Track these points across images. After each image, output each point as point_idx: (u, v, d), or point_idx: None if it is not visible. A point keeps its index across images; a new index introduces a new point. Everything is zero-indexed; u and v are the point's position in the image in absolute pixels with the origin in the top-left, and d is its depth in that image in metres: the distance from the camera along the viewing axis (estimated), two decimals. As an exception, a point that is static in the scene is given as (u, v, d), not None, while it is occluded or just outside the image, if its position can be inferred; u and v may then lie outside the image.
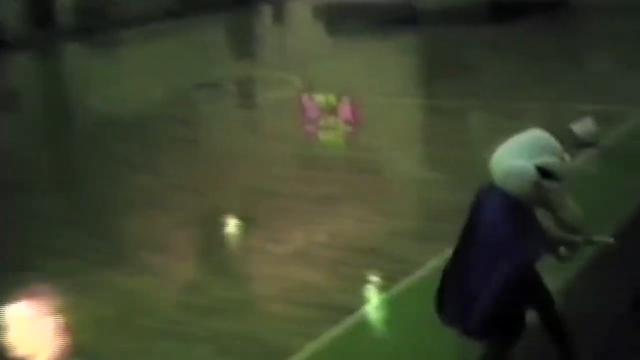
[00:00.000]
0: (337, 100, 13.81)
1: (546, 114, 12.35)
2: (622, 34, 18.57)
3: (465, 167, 10.20)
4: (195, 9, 27.24)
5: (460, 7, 21.97)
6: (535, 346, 4.81)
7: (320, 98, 14.25)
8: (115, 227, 9.10)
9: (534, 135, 4.78)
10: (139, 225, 9.01)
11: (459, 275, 4.68)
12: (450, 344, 5.64)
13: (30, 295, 7.39)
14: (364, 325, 6.51)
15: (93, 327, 6.64)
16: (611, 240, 4.86)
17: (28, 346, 6.59)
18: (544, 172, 4.53)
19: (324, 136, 13.07)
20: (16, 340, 6.65)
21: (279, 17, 28.84)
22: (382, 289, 6.98)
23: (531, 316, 4.72)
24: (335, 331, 6.19)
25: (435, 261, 7.24)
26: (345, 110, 13.50)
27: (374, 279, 7.18)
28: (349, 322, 6.35)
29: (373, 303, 6.86)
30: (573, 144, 9.94)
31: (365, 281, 7.13)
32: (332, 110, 13.69)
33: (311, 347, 5.99)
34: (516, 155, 4.64)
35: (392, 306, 6.74)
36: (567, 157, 4.70)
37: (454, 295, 4.69)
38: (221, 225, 9.07)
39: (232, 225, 9.15)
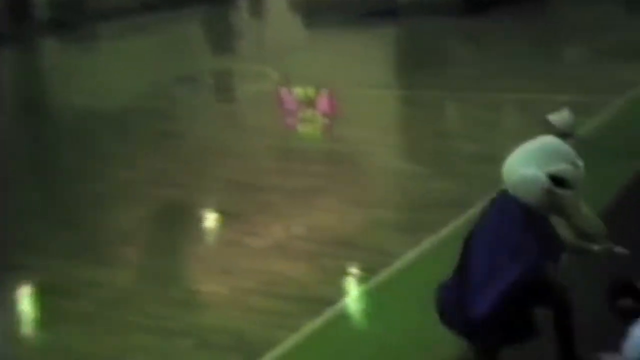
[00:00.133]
0: (315, 92, 13.82)
1: (523, 104, 12.43)
2: (596, 23, 18.66)
3: (443, 157, 10.27)
4: (172, 2, 27.09)
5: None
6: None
7: (298, 90, 14.25)
8: (93, 221, 9.06)
9: (545, 142, 4.75)
10: (118, 219, 8.98)
11: (463, 280, 4.62)
12: (430, 335, 5.68)
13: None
14: (344, 316, 6.53)
15: (72, 321, 6.63)
16: (626, 252, 4.76)
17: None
18: (556, 180, 4.49)
19: (302, 128, 13.07)
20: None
21: (257, 10, 28.77)
22: (362, 280, 7.00)
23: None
24: (315, 323, 6.21)
25: (414, 252, 7.31)
26: (323, 102, 13.51)
27: (353, 270, 7.20)
28: (329, 313, 6.37)
29: (353, 294, 6.88)
30: (549, 133, 10.00)
31: (344, 273, 7.15)
32: (310, 103, 13.70)
33: (291, 340, 6.00)
34: (527, 163, 4.59)
35: (372, 297, 6.76)
36: (580, 162, 4.64)
37: (458, 298, 4.63)
38: (200, 219, 9.06)
39: (210, 219, 9.15)
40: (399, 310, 6.29)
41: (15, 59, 22.97)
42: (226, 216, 8.95)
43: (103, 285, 7.26)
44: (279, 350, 5.88)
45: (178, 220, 8.89)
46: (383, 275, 6.92)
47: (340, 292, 6.84)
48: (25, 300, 7.38)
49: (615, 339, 4.47)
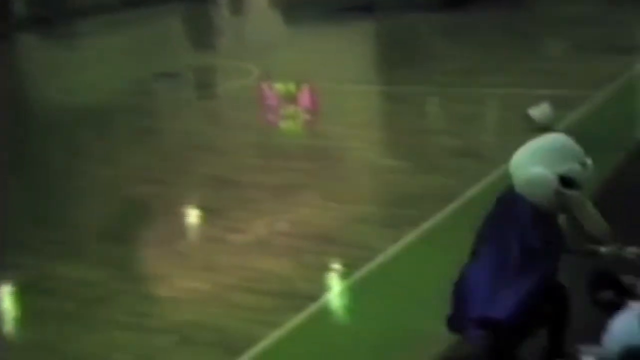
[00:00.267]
0: (296, 88, 13.81)
1: (503, 99, 12.47)
2: (575, 18, 18.74)
3: (424, 152, 10.29)
4: (152, -1, 27.06)
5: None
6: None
7: (279, 86, 14.25)
8: (74, 218, 9.04)
9: (555, 140, 4.66)
10: (98, 216, 8.96)
11: (474, 285, 4.57)
12: (413, 329, 5.71)
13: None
14: (326, 312, 6.53)
15: (52, 319, 6.61)
16: (638, 252, 4.72)
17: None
18: (565, 180, 4.44)
19: (283, 124, 13.07)
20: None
21: (236, 6, 28.72)
22: (344, 275, 7.01)
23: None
24: (298, 318, 6.21)
25: (396, 247, 7.32)
26: (305, 98, 13.51)
27: (335, 266, 7.21)
28: (312, 309, 6.37)
29: (335, 290, 6.89)
30: (530, 127, 10.05)
31: (326, 268, 7.15)
32: (292, 99, 13.69)
33: (274, 335, 6.00)
34: (536, 162, 4.49)
35: (354, 293, 6.77)
36: (588, 161, 4.57)
37: (467, 305, 4.54)
38: (181, 215, 9.05)
39: (192, 215, 9.14)
40: (381, 305, 6.30)
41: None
42: (208, 212, 8.93)
43: (84, 282, 7.23)
44: (261, 346, 5.88)
45: (159, 216, 8.86)
46: (365, 270, 6.92)
47: (323, 288, 6.84)
48: (4, 299, 7.34)
49: (596, 332, 4.49)
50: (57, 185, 10.25)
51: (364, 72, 16.01)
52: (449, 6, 20.53)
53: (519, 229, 4.49)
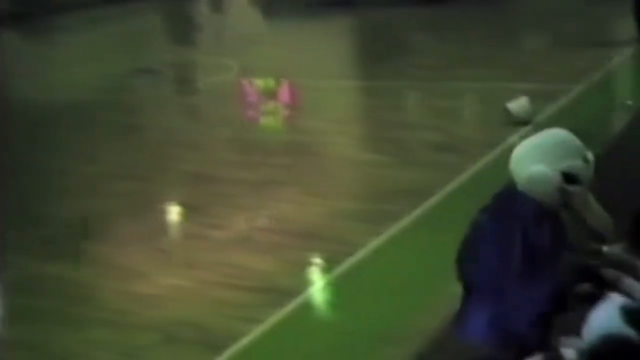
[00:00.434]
0: (276, 84, 13.81)
1: (482, 93, 12.52)
2: (552, 12, 18.80)
3: (404, 147, 10.31)
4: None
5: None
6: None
7: (259, 82, 14.24)
8: (53, 216, 9.00)
9: (556, 136, 4.56)
10: (78, 214, 8.93)
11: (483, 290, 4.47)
12: (395, 325, 5.73)
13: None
14: (308, 308, 6.55)
15: (34, 318, 6.59)
16: None
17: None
18: (567, 176, 4.35)
19: (263, 120, 13.06)
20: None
21: (216, 3, 28.66)
22: (325, 271, 7.03)
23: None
24: (280, 314, 6.22)
25: (377, 242, 7.35)
26: (284, 93, 13.51)
27: (317, 261, 7.22)
28: (293, 305, 6.38)
29: (316, 285, 6.91)
30: (508, 121, 10.11)
31: (307, 264, 7.16)
32: (271, 94, 13.69)
33: (256, 331, 6.02)
34: (538, 158, 4.38)
35: (336, 288, 6.79)
36: (590, 156, 4.48)
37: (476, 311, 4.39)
38: (162, 212, 9.03)
39: (173, 211, 9.13)
40: (363, 301, 6.32)
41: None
42: (188, 209, 8.93)
43: (65, 280, 7.21)
44: (243, 342, 5.89)
45: (140, 213, 8.84)
46: (346, 265, 6.94)
47: (304, 283, 6.86)
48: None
49: (574, 324, 4.53)
50: (37, 182, 10.20)
51: (344, 67, 16.03)
52: (429, 1, 20.56)
53: (520, 225, 4.38)
